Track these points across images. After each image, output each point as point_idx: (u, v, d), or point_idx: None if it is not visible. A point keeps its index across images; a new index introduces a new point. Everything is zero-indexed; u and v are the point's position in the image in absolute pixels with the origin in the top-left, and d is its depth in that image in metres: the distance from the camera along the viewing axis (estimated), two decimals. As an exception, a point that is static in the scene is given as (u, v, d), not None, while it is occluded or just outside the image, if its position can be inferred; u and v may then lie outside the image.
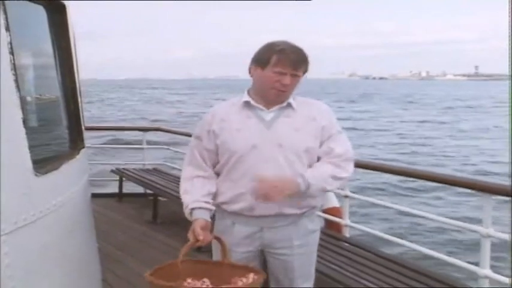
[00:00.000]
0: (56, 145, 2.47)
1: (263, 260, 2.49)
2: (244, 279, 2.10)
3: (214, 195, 2.38)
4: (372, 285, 3.34)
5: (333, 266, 3.69)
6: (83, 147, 2.54)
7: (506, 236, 3.28)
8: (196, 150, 2.40)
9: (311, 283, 2.55)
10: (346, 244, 4.25)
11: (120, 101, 58.05)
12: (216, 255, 2.42)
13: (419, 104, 57.37)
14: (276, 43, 2.33)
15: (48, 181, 1.98)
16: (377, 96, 75.66)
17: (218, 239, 2.29)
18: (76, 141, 2.52)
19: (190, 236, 2.22)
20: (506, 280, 3.23)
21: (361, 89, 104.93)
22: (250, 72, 2.39)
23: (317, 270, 3.60)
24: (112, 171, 7.64)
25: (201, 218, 2.26)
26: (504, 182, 3.58)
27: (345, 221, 4.74)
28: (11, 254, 1.68)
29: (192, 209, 2.29)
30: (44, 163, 1.99)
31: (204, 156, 2.38)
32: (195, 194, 2.33)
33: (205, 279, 2.12)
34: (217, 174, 2.40)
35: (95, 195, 3.94)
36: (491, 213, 3.36)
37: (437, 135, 27.68)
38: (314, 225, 2.48)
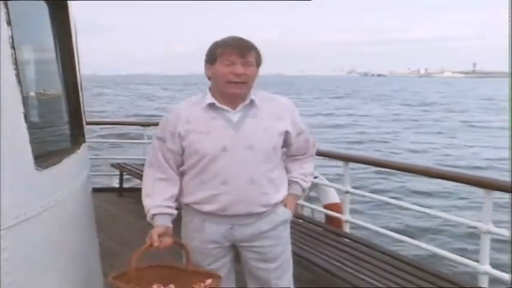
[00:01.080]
0: (57, 140, 2.48)
1: (237, 254, 2.52)
2: (202, 284, 2.22)
3: (181, 195, 2.39)
4: (372, 281, 3.36)
5: (333, 262, 3.71)
6: (84, 142, 2.55)
7: (506, 232, 3.28)
8: (159, 151, 2.37)
9: (289, 281, 2.56)
10: (347, 240, 4.27)
11: (114, 96, 58.73)
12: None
13: (399, 100, 58.57)
14: (220, 39, 2.33)
15: (49, 175, 1.98)
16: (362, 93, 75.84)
17: (180, 244, 2.35)
18: (77, 136, 2.53)
19: (147, 240, 2.28)
20: (506, 276, 3.24)
21: (348, 86, 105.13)
22: (206, 74, 2.38)
23: (317, 266, 3.65)
24: (112, 165, 7.65)
25: (161, 224, 2.31)
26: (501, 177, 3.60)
27: (345, 216, 4.75)
28: (11, 248, 1.68)
29: (153, 214, 2.34)
30: (45, 157, 1.99)
31: (168, 157, 2.36)
32: (156, 198, 2.36)
33: (171, 285, 2.22)
34: (182, 174, 2.39)
35: (95, 190, 3.95)
36: (491, 209, 3.37)
37: (399, 130, 28.44)
38: (281, 216, 2.48)
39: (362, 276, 3.43)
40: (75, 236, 2.31)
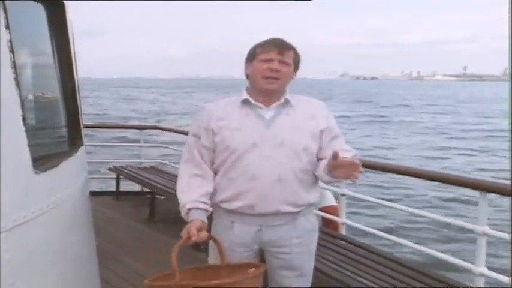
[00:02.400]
0: (55, 143, 2.48)
1: (262, 260, 2.50)
2: (245, 275, 2.15)
3: (212, 195, 2.38)
4: (369, 283, 3.37)
5: (330, 264, 3.72)
6: (82, 145, 2.55)
7: (502, 234, 3.30)
8: (195, 148, 2.39)
9: (309, 283, 2.56)
10: (343, 242, 4.27)
11: (97, 99, 59.58)
12: (212, 257, 2.45)
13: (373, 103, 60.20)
14: (260, 41, 2.38)
15: (48, 179, 1.98)
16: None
17: (214, 240, 2.32)
18: (75, 139, 2.53)
19: (183, 234, 2.24)
20: (502, 278, 3.25)
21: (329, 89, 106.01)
22: (245, 73, 2.42)
23: (315, 268, 3.64)
24: (109, 169, 7.65)
25: (197, 218, 2.28)
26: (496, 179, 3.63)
27: (342, 219, 4.76)
28: (10, 251, 1.68)
29: (189, 209, 2.30)
30: (43, 161, 2.00)
31: (203, 154, 2.38)
32: (192, 193, 2.34)
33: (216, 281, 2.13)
34: (215, 172, 2.40)
35: (92, 193, 3.95)
36: (487, 211, 3.39)
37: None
38: (311, 224, 2.49)
39: (359, 279, 3.44)
40: (73, 238, 2.31)
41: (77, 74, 2.57)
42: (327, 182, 2.44)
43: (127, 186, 7.63)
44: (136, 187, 7.33)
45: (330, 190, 5.57)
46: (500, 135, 25.99)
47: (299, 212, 2.40)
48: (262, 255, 2.49)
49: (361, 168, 2.14)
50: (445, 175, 4.24)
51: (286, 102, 2.38)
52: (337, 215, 4.98)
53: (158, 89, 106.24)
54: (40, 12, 2.24)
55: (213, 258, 2.45)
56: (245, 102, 2.37)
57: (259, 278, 2.15)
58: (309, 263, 2.53)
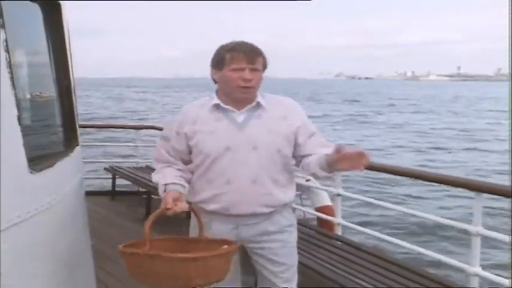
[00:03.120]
0: (51, 143, 2.48)
1: (247, 258, 2.54)
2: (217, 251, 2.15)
3: (188, 195, 2.42)
4: (365, 284, 3.38)
5: (325, 264, 3.73)
6: (77, 145, 2.55)
7: (496, 235, 3.32)
8: (163, 149, 2.46)
9: (294, 281, 2.59)
10: (339, 242, 4.28)
11: (87, 98, 60.29)
12: (192, 233, 2.48)
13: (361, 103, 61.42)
14: (226, 44, 2.37)
15: (43, 178, 1.98)
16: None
17: (194, 211, 2.35)
18: (70, 139, 2.53)
19: (161, 205, 2.26)
20: (496, 278, 3.27)
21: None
22: (212, 77, 2.42)
23: (310, 268, 3.66)
24: (105, 169, 7.64)
25: (174, 189, 2.31)
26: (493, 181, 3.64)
27: (337, 219, 4.77)
28: (5, 251, 1.68)
29: (165, 184, 2.34)
30: (38, 160, 1.99)
31: (171, 153, 2.43)
32: (167, 176, 2.39)
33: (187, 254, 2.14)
34: (193, 173, 2.44)
35: (88, 193, 3.94)
36: (481, 211, 3.40)
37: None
38: (287, 220, 2.52)
39: (354, 279, 3.45)
40: (68, 238, 2.31)
41: (72, 73, 2.56)
42: (323, 178, 2.45)
43: (122, 182, 7.63)
44: (132, 187, 7.34)
45: (325, 190, 5.59)
46: (465, 134, 27.61)
47: (274, 211, 2.43)
48: (246, 253, 2.52)
49: (369, 156, 2.14)
50: (442, 176, 4.26)
51: (257, 105, 2.39)
52: (332, 215, 5.00)
53: (150, 88, 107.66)
54: (36, 12, 2.23)
55: (192, 234, 2.47)
56: (216, 106, 2.38)
57: (227, 257, 2.13)
58: (291, 258, 2.55)
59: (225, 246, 2.18)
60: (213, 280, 2.10)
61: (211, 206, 2.38)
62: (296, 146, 2.41)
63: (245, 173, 2.32)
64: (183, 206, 2.24)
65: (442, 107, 54.48)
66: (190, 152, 2.41)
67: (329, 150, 2.30)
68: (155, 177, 2.45)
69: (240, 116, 2.37)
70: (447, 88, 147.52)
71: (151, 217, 2.18)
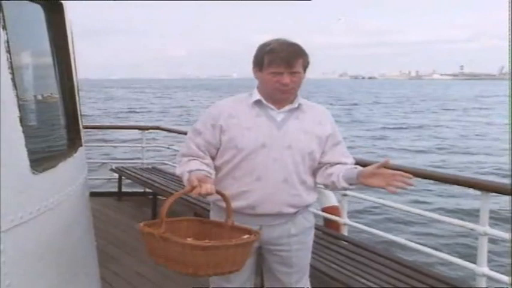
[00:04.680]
0: (54, 143, 2.48)
1: (259, 257, 2.53)
2: (236, 240, 2.06)
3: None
4: (371, 284, 3.36)
5: (332, 265, 3.71)
6: (81, 146, 2.55)
7: (503, 234, 3.29)
8: (192, 142, 2.40)
9: (307, 281, 2.61)
10: (345, 243, 4.26)
11: (83, 99, 62.16)
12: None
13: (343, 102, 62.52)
14: (266, 43, 2.35)
15: (46, 179, 1.98)
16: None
17: (222, 194, 2.21)
18: (74, 140, 2.52)
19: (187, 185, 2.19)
20: (504, 278, 3.24)
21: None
22: (254, 74, 2.41)
23: (316, 269, 3.64)
24: (111, 169, 7.66)
25: (199, 172, 2.22)
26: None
27: (344, 219, 4.75)
28: (7, 252, 1.68)
29: (190, 171, 2.25)
30: (41, 161, 1.99)
31: (201, 147, 2.37)
32: (192, 166, 2.30)
33: (207, 240, 2.04)
34: (218, 170, 2.40)
35: (94, 194, 3.95)
36: (489, 211, 3.37)
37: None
38: (309, 222, 2.54)
39: (360, 279, 3.43)
40: (71, 239, 2.31)
41: (76, 74, 2.56)
42: (339, 189, 2.43)
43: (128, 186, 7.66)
44: (139, 188, 7.35)
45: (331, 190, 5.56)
46: (427, 130, 29.49)
47: (297, 211, 2.43)
48: (259, 253, 2.51)
49: (409, 181, 2.10)
50: (448, 175, 4.22)
51: (299, 107, 2.40)
52: (338, 215, 4.97)
53: (148, 89, 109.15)
54: (38, 13, 2.23)
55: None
56: (257, 102, 2.38)
57: (243, 248, 2.03)
58: (305, 259, 2.57)
59: (246, 236, 2.08)
60: (225, 271, 2.01)
61: (237, 204, 2.31)
62: (322, 152, 2.43)
63: (278, 171, 2.32)
64: (208, 187, 2.12)
65: (424, 104, 57.12)
66: (220, 147, 2.37)
67: (350, 160, 2.39)
68: (179, 170, 2.35)
69: (279, 115, 2.38)
70: (447, 87, 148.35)
71: (173, 197, 2.06)
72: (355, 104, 56.37)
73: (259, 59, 2.35)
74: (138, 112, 43.35)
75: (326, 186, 2.48)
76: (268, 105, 2.37)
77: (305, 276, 2.59)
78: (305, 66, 2.37)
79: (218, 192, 2.19)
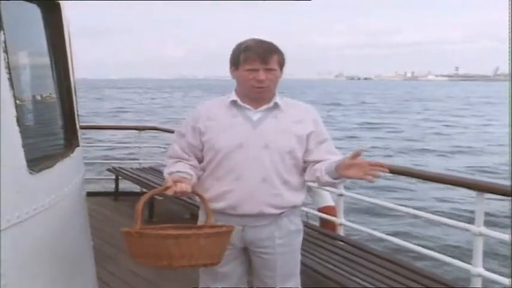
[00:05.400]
0: (51, 143, 2.48)
1: (247, 259, 2.53)
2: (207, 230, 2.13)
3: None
4: (367, 284, 3.37)
5: (328, 265, 3.72)
6: (78, 146, 2.55)
7: (499, 234, 3.30)
8: (176, 145, 2.45)
9: (296, 283, 2.57)
10: (341, 243, 4.27)
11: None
12: (200, 220, 2.48)
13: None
14: (242, 42, 2.38)
15: (43, 179, 1.98)
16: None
17: (199, 195, 2.32)
18: (71, 140, 2.52)
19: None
20: (499, 278, 3.25)
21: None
22: (231, 75, 2.44)
23: (312, 269, 3.65)
24: (108, 170, 7.65)
25: (177, 174, 2.30)
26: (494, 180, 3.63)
27: (340, 219, 4.76)
28: (4, 252, 1.68)
29: (170, 173, 2.33)
30: (38, 161, 2.00)
31: (185, 149, 2.42)
32: (175, 168, 2.37)
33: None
34: (204, 171, 2.44)
35: (90, 194, 3.95)
36: (484, 211, 3.39)
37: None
38: (295, 226, 2.51)
39: (356, 279, 3.44)
40: (68, 239, 2.31)
41: (73, 74, 2.56)
42: (325, 184, 2.45)
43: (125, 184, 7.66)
44: (136, 187, 7.34)
45: (327, 190, 5.57)
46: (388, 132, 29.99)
47: (282, 213, 2.42)
48: (247, 255, 2.51)
49: (385, 169, 2.15)
50: (443, 175, 4.24)
51: (275, 105, 2.40)
52: (335, 215, 4.98)
53: (141, 89, 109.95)
54: (35, 13, 2.23)
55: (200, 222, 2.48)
56: (233, 103, 2.40)
57: (217, 239, 2.08)
58: (293, 264, 2.54)
59: (224, 228, 2.15)
60: (200, 263, 2.05)
61: (218, 204, 2.36)
62: (306, 150, 2.42)
63: (255, 171, 2.32)
64: (183, 187, 2.21)
65: (401, 104, 59.10)
66: (203, 148, 2.41)
67: (338, 157, 2.35)
68: (164, 171, 2.44)
69: (256, 115, 2.39)
70: (439, 88, 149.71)
71: (147, 195, 2.20)
72: (338, 104, 57.70)
73: (236, 58, 2.37)
74: (127, 112, 44.25)
75: (313, 183, 2.48)
76: (245, 106, 2.38)
77: (293, 280, 2.55)
78: (281, 63, 2.39)
79: (195, 193, 2.30)
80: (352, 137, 27.05)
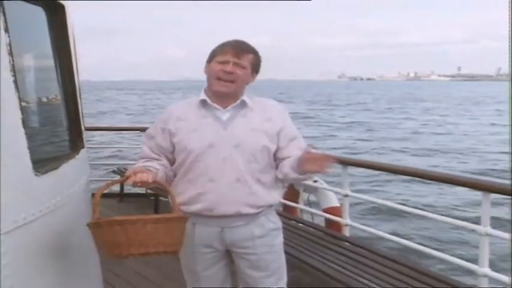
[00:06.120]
0: (56, 145, 2.48)
1: (231, 261, 2.52)
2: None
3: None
4: (373, 285, 3.36)
5: (334, 266, 3.72)
6: (83, 147, 2.55)
7: (505, 235, 3.29)
8: (146, 146, 2.45)
9: (282, 283, 2.54)
10: (347, 243, 4.27)
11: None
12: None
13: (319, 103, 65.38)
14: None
15: (48, 181, 1.99)
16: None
17: (163, 186, 2.26)
18: (76, 142, 2.53)
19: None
20: (506, 278, 3.24)
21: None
22: (204, 72, 2.43)
23: (318, 269, 3.65)
24: (113, 171, 7.67)
25: (139, 165, 2.29)
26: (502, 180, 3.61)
27: (345, 220, 4.75)
28: (10, 253, 1.68)
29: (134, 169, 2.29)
30: (43, 163, 2.00)
31: (153, 149, 2.41)
32: (142, 164, 2.36)
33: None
34: (175, 174, 2.43)
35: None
36: (490, 211, 3.37)
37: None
38: (273, 223, 2.49)
39: (362, 280, 3.44)
40: (74, 241, 2.31)
41: (77, 76, 2.57)
42: (294, 180, 2.43)
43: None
44: (140, 189, 7.36)
45: (332, 191, 5.57)
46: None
47: (259, 212, 2.41)
48: (230, 257, 2.50)
49: (333, 160, 2.20)
50: (449, 176, 4.22)
51: (243, 104, 2.39)
52: (340, 215, 4.98)
53: (135, 91, 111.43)
54: (40, 14, 2.24)
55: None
56: (202, 103, 2.39)
57: (166, 225, 2.00)
58: (276, 262, 2.51)
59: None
60: (150, 251, 1.96)
61: (195, 207, 2.34)
62: (278, 148, 2.42)
63: (228, 171, 2.31)
64: (144, 177, 2.15)
65: (391, 105, 59.33)
66: (174, 150, 2.40)
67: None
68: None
69: (225, 114, 2.38)
70: (438, 88, 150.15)
71: (105, 185, 2.20)
72: (330, 105, 58.29)
73: (212, 53, 2.38)
74: (120, 113, 45.48)
75: (284, 181, 2.47)
76: (214, 105, 2.37)
77: (278, 282, 2.51)
78: (254, 65, 2.39)
79: (158, 183, 2.23)
80: (331, 135, 27.66)
